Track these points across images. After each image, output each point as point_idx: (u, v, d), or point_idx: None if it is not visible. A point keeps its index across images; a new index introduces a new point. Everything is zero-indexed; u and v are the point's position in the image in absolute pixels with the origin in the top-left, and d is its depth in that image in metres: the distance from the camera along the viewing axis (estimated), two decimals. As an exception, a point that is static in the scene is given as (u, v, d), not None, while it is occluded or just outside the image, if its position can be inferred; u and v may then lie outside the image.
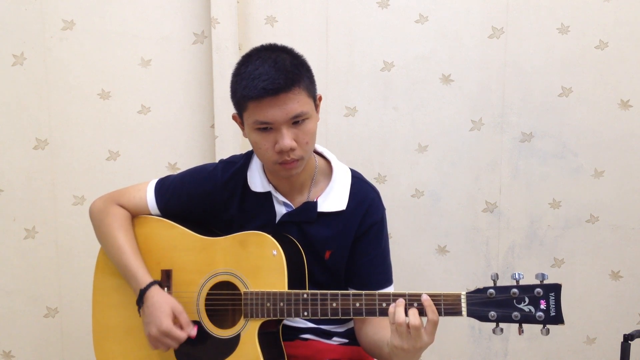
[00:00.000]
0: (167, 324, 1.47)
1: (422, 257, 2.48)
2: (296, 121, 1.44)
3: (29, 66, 2.34)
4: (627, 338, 1.83)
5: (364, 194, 1.59)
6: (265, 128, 1.44)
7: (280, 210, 1.59)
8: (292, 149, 1.44)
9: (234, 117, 1.55)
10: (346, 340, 1.68)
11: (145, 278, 1.54)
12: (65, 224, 2.41)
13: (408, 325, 1.33)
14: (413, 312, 1.34)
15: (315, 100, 1.51)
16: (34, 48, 2.33)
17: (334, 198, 1.57)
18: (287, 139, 1.43)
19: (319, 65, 2.38)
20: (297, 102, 1.42)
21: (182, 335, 1.48)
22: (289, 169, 1.49)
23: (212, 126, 2.38)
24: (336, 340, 1.67)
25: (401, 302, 1.36)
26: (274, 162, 1.48)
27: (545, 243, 2.47)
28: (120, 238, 1.60)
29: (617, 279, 2.47)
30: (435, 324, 1.34)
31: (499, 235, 2.47)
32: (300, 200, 1.59)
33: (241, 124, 1.53)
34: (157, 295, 1.52)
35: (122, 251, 1.58)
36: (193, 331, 1.51)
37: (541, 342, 2.51)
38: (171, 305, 1.51)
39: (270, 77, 1.39)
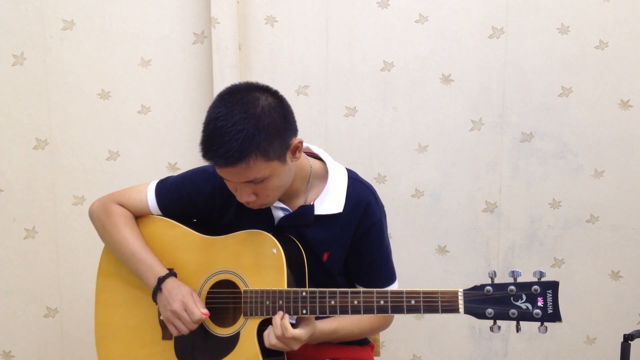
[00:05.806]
0: (188, 298, 1.51)
1: (422, 257, 2.48)
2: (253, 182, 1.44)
3: (29, 66, 2.34)
4: (627, 338, 1.82)
5: (360, 195, 1.59)
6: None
7: (278, 215, 1.59)
8: (252, 201, 1.47)
9: None
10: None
11: (162, 269, 1.58)
12: (65, 224, 2.41)
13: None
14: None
15: (284, 154, 1.44)
16: (34, 48, 2.33)
17: (330, 201, 1.57)
18: (244, 195, 1.46)
19: (319, 65, 2.39)
20: (250, 170, 1.40)
21: (199, 313, 1.50)
22: (256, 208, 1.52)
23: (212, 126, 2.38)
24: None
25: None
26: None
27: (545, 243, 2.47)
28: (128, 235, 1.62)
29: (617, 279, 2.47)
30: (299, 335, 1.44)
31: (499, 235, 2.47)
32: (297, 203, 1.59)
33: None
34: (176, 281, 1.56)
35: (132, 247, 1.60)
36: (206, 311, 1.52)
37: (541, 342, 2.50)
38: (190, 290, 1.55)
39: (223, 149, 1.36)
